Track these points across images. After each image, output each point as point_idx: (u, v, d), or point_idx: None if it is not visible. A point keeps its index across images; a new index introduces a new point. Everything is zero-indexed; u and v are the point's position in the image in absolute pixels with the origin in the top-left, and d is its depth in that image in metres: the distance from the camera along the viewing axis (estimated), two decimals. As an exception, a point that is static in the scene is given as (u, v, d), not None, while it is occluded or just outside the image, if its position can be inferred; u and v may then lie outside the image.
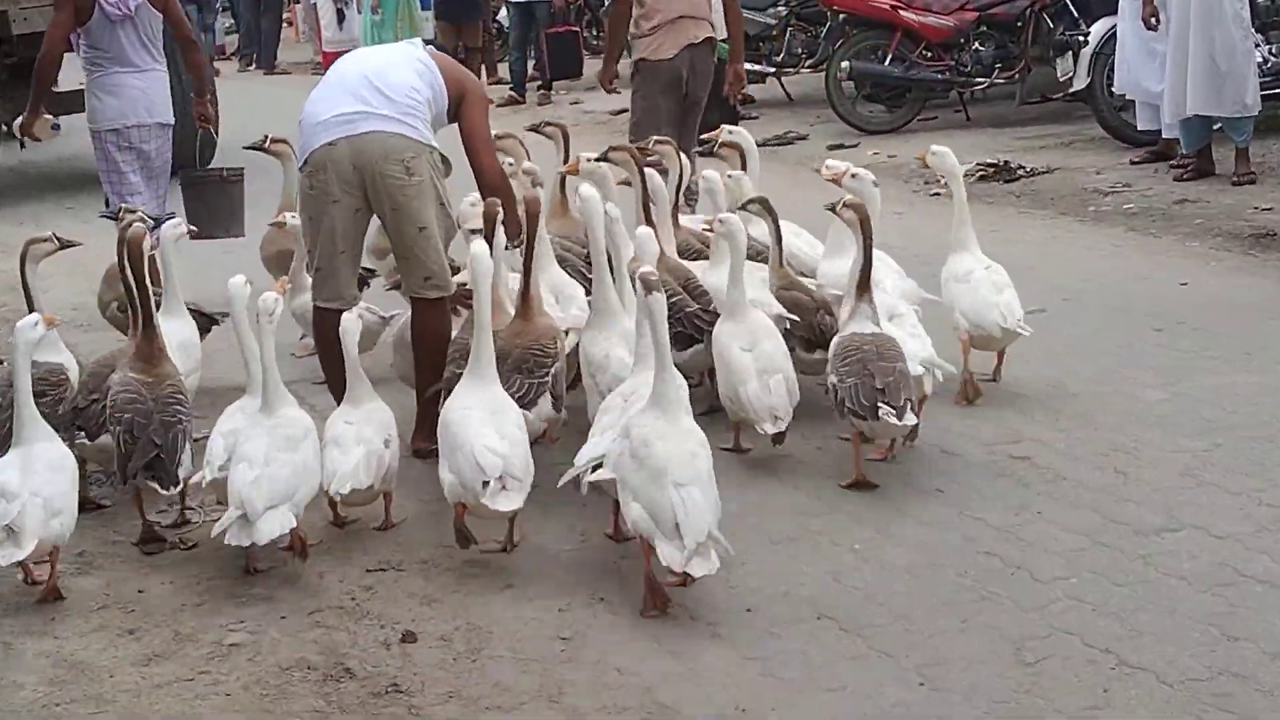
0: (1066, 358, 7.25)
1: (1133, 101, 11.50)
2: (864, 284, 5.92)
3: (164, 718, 4.38)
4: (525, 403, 5.71)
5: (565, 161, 7.26)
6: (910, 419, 5.66)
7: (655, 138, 7.53)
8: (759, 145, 10.70)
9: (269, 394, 5.33)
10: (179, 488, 5.46)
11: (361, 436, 5.42)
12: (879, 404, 5.60)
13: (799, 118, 15.14)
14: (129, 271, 5.76)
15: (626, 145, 7.12)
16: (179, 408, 5.53)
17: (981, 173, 11.66)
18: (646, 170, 6.71)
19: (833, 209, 6.25)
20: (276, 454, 5.12)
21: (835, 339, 5.97)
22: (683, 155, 7.40)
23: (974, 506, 5.54)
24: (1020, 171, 11.64)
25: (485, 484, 5.01)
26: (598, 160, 6.84)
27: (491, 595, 5.04)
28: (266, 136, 7.82)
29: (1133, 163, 11.48)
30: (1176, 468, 5.78)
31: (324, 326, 6.19)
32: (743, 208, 6.65)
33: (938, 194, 11.37)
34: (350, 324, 5.65)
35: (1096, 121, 12.33)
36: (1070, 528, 5.30)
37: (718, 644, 4.62)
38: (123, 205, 7.09)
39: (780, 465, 6.06)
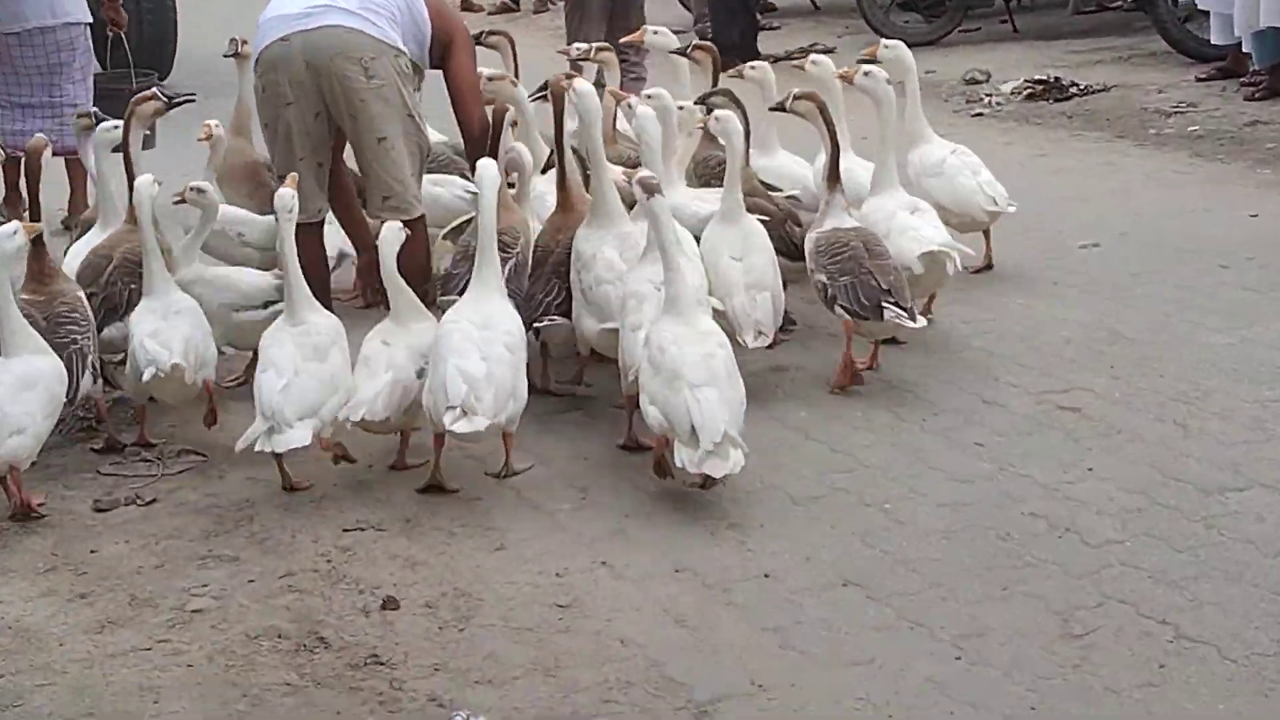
0: (1122, 298, 7.22)
1: (1202, 11, 11.37)
2: (833, 176, 6.29)
3: (119, 690, 4.39)
4: (563, 309, 5.91)
5: (515, 72, 7.45)
6: (921, 321, 6.06)
7: (596, 44, 7.81)
8: (781, 58, 10.65)
9: (294, 299, 5.55)
10: (74, 407, 5.74)
11: (393, 362, 5.48)
12: (884, 304, 5.95)
13: (826, 28, 15.00)
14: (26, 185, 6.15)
15: (571, 74, 7.10)
16: (73, 327, 5.76)
17: (1029, 90, 11.57)
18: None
19: (782, 107, 6.56)
20: (304, 364, 5.37)
21: (813, 235, 6.27)
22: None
23: (1018, 462, 5.53)
24: (1073, 89, 11.53)
25: (450, 409, 5.17)
26: (536, 96, 6.86)
27: (482, 557, 5.04)
28: (236, 40, 7.74)
29: (1198, 80, 11.37)
30: (1244, 419, 5.76)
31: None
32: (703, 101, 6.79)
33: (980, 114, 11.29)
34: (391, 234, 5.68)
35: (1158, 34, 12.20)
36: (1125, 485, 5.29)
37: (732, 613, 4.62)
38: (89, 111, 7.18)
39: (801, 416, 6.05)
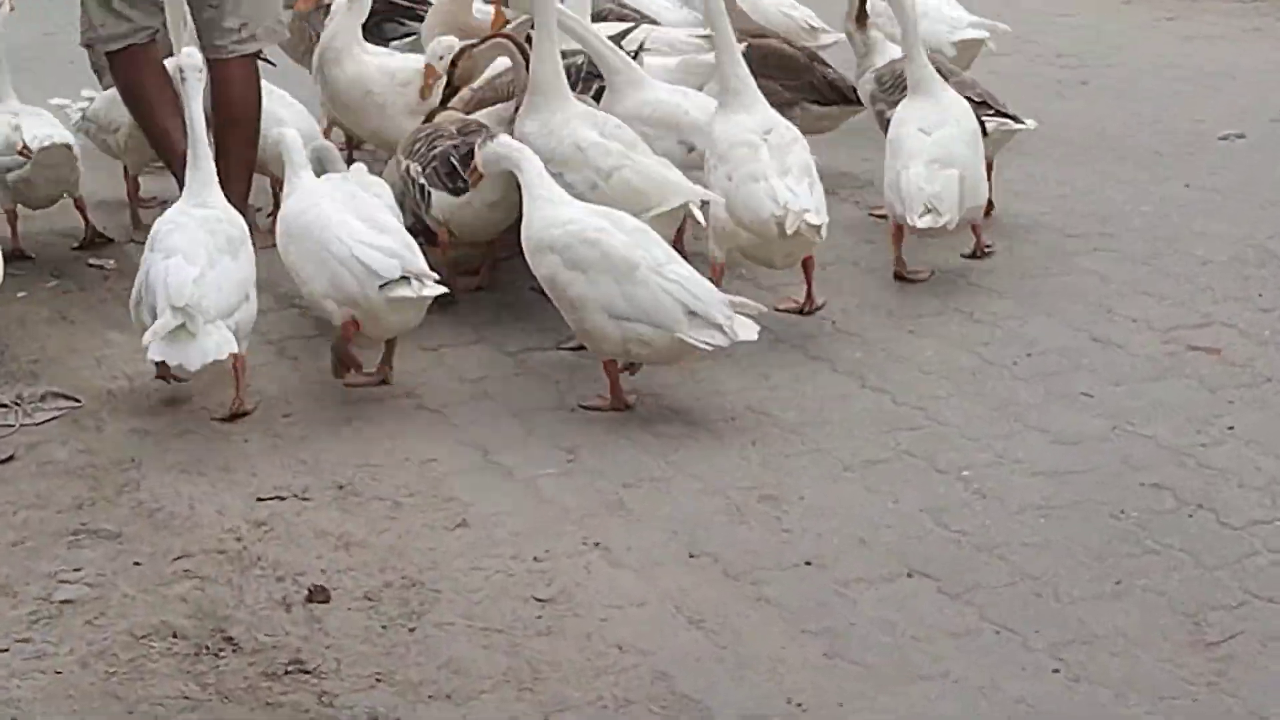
0: (1274, 206, 7.20)
1: None
2: (861, 16, 7.51)
3: (-33, 704, 4.40)
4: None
5: None
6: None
7: None
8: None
9: (199, 177, 5.85)
10: None
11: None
12: None
13: None
14: None
15: None
16: None
17: (1155, -67, 11.49)
18: None
19: None
20: (219, 256, 5.65)
21: (870, 75, 7.29)
22: None
23: (1138, 418, 5.52)
24: (1212, -69, 11.45)
25: (383, 285, 5.60)
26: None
27: (438, 536, 5.03)
28: None
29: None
30: None
31: (127, 76, 6.74)
32: None
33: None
34: None
35: None
36: (1276, 449, 5.29)
37: (764, 612, 4.61)
38: None
39: (855, 358, 6.05)
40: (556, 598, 4.70)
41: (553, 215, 5.71)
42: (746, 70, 6.37)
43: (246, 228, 5.89)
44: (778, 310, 6.29)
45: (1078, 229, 7.05)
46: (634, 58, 7.00)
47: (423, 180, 6.38)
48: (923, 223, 6.34)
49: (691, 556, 4.86)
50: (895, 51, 7.15)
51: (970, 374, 5.89)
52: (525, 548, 4.93)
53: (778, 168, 6.13)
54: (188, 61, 5.88)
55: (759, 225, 6.06)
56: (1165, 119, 8.32)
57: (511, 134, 6.24)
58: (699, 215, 6.15)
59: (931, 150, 6.49)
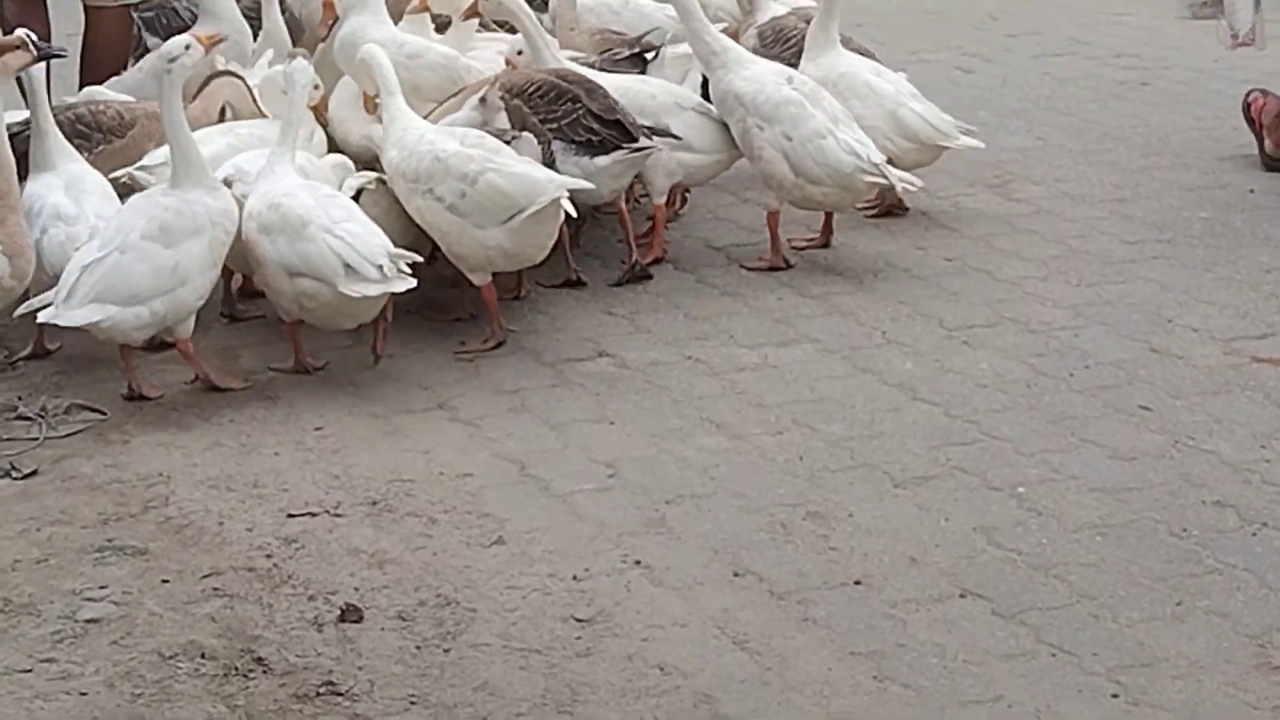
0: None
1: None
2: None
3: (-10, 726, 4.42)
4: None
5: None
6: None
7: None
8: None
9: (178, 166, 6.09)
10: None
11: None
12: None
13: None
14: None
15: None
16: None
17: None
18: None
19: None
20: (142, 243, 5.91)
21: (752, 31, 7.59)
22: None
23: (1200, 432, 5.51)
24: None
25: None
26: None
27: (475, 553, 5.04)
28: None
29: None
30: None
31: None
32: None
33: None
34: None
35: None
36: (1344, 467, 5.29)
37: (810, 633, 4.61)
38: None
39: (906, 370, 6.05)
40: (595, 618, 4.70)
41: (267, 188, 6.13)
42: (720, 32, 6.94)
43: (219, 217, 6.05)
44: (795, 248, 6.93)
45: (1135, 235, 7.02)
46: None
47: None
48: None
49: (735, 576, 4.86)
50: (777, 9, 7.76)
51: (1025, 386, 5.88)
52: (563, 566, 4.94)
53: (830, 118, 6.62)
54: (169, 50, 6.15)
55: (842, 179, 6.60)
56: (1228, 121, 8.26)
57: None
58: (569, 208, 6.26)
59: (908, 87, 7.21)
